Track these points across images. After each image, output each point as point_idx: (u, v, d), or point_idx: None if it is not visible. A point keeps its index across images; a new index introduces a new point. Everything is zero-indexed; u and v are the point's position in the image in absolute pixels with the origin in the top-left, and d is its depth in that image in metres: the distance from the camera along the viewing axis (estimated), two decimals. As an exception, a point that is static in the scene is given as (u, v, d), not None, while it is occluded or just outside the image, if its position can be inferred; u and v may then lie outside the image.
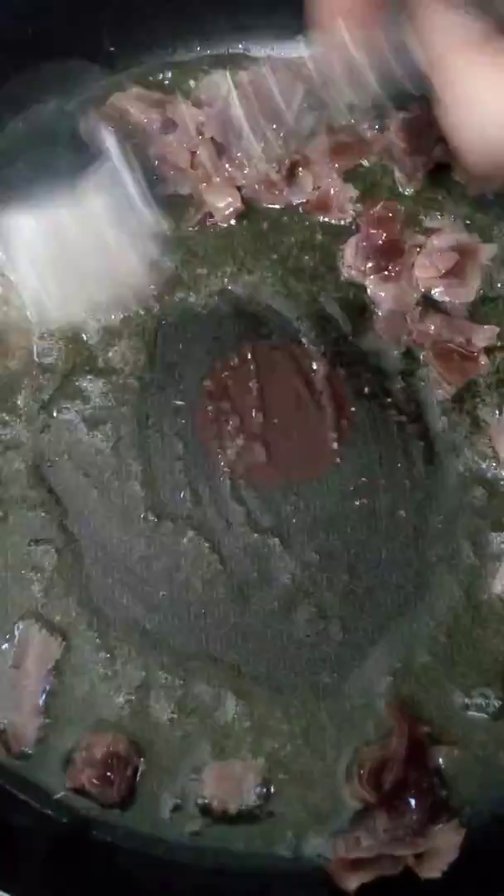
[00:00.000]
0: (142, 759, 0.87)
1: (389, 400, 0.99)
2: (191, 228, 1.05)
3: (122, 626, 0.91)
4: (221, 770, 0.86)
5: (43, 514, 0.95)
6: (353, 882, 0.81)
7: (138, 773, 0.86)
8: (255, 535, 0.94)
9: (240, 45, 1.14)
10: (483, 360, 1.00)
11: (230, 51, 1.14)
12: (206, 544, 0.93)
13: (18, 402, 0.98)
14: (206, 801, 0.86)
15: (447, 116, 0.73)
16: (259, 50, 1.13)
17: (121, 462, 0.96)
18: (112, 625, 0.91)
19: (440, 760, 0.87)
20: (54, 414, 0.98)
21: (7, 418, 0.98)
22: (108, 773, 0.85)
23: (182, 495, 0.95)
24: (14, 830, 0.85)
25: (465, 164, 0.75)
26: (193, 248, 1.05)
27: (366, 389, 0.99)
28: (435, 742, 0.87)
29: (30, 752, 0.87)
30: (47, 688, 0.88)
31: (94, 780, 0.85)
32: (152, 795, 0.86)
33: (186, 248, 1.05)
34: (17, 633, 0.90)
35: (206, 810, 0.86)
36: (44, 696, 0.88)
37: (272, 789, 0.86)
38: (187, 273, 1.03)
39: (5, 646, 0.90)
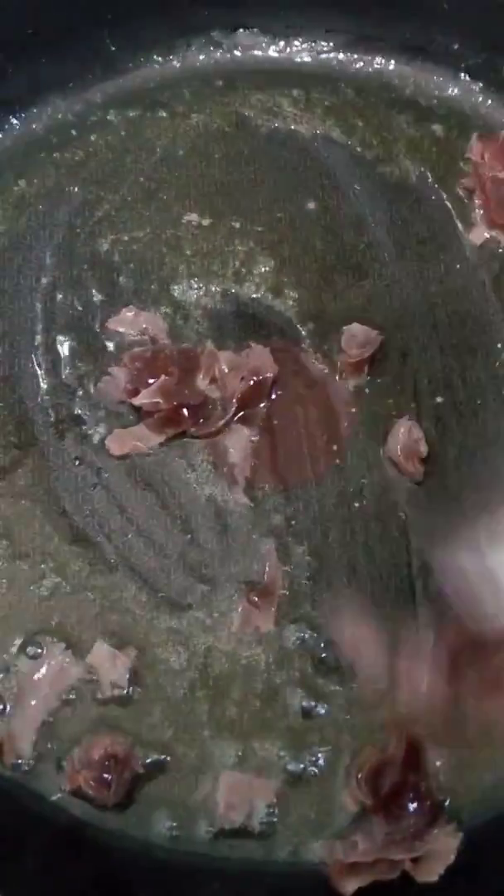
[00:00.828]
0: (142, 763, 0.86)
1: (390, 401, 0.98)
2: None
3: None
4: (234, 784, 0.86)
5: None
6: (350, 886, 0.80)
7: (136, 777, 0.86)
8: (254, 536, 0.94)
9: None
10: None
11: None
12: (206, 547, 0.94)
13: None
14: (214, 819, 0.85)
15: None
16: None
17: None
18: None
19: (438, 764, 0.86)
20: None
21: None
22: (105, 775, 0.84)
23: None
24: (10, 833, 0.85)
25: None
26: (194, 248, 1.05)
27: (366, 390, 0.99)
28: (433, 746, 0.86)
29: (23, 764, 0.87)
30: (53, 706, 0.88)
31: (91, 782, 0.84)
32: (151, 800, 0.86)
33: (188, 249, 1.05)
34: (44, 648, 0.90)
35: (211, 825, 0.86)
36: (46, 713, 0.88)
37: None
38: (189, 274, 1.03)
39: (28, 659, 0.90)
